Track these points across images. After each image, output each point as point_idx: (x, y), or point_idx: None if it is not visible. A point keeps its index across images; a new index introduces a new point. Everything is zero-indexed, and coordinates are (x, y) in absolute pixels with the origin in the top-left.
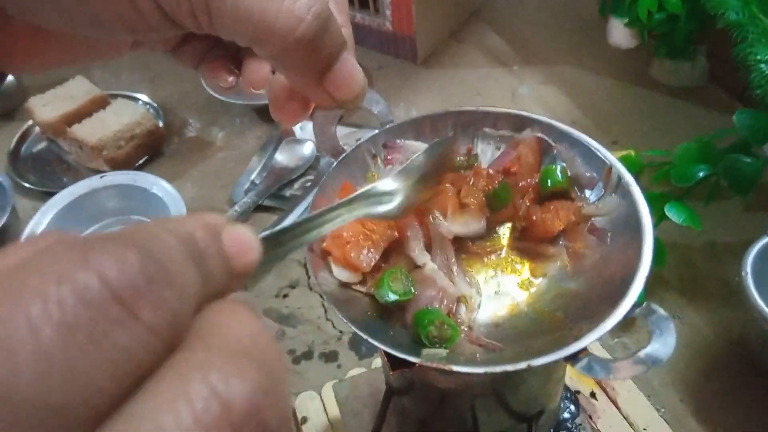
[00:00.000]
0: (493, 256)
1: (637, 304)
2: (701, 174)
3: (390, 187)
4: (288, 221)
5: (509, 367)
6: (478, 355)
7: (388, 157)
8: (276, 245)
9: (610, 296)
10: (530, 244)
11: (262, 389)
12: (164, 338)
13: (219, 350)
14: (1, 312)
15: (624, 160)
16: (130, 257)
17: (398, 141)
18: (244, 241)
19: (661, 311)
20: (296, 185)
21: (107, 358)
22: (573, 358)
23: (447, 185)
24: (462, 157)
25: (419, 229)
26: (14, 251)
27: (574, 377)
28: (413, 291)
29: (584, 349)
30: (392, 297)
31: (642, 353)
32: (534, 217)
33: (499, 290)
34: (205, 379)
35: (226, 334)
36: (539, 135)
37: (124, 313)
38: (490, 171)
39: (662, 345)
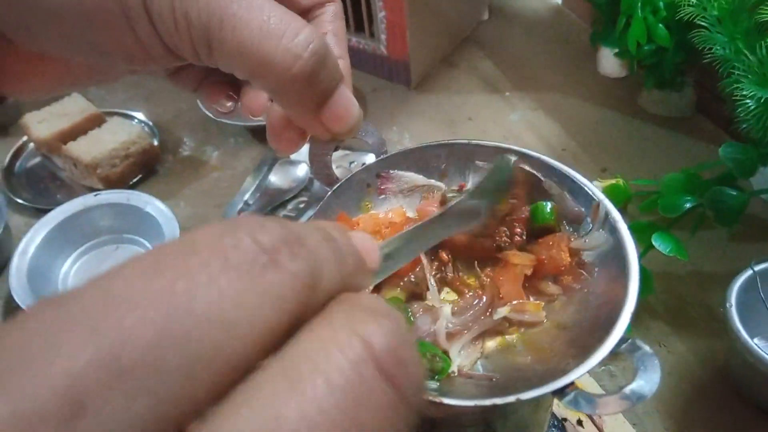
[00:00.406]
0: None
1: (623, 340)
2: (688, 205)
3: (471, 203)
4: None
5: (498, 401)
6: (470, 386)
7: (382, 187)
8: (387, 259)
9: (597, 331)
10: (533, 281)
11: (395, 333)
12: (308, 286)
13: (357, 308)
14: (184, 265)
15: (612, 188)
16: (273, 224)
17: (391, 171)
18: (368, 242)
19: (646, 348)
20: (289, 206)
21: (266, 291)
22: (560, 393)
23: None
24: (454, 194)
25: (430, 263)
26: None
27: (560, 405)
28: (411, 321)
29: (572, 384)
30: None
31: (627, 389)
32: (543, 256)
33: None
34: (349, 325)
35: (361, 302)
36: (527, 169)
37: (272, 261)
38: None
39: (647, 381)
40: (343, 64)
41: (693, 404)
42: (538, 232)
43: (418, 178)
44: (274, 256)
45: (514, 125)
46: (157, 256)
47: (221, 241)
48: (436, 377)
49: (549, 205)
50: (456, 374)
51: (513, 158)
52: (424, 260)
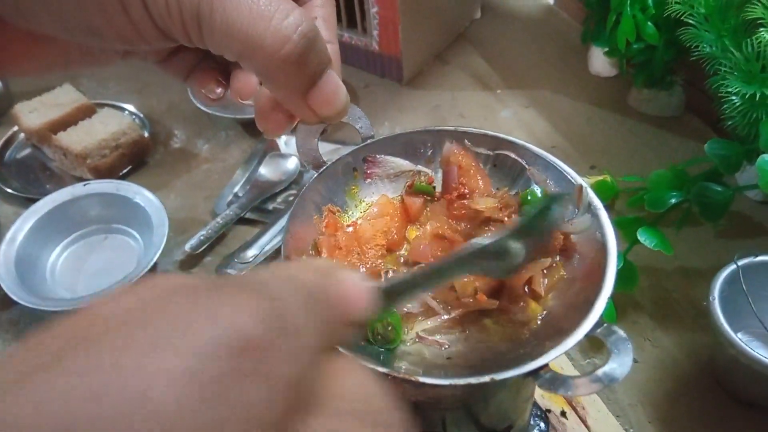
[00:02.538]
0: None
1: (597, 324)
2: (673, 200)
3: (505, 247)
4: (269, 235)
5: (473, 380)
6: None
7: (368, 171)
8: (390, 296)
9: (574, 316)
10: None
11: None
12: (290, 394)
13: (335, 414)
14: (136, 362)
15: (600, 185)
16: (262, 306)
17: (378, 156)
18: (358, 289)
19: (621, 332)
20: (279, 199)
21: (236, 413)
22: (535, 374)
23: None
24: (423, 183)
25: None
26: (123, 294)
27: (545, 396)
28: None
29: (546, 366)
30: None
31: (600, 372)
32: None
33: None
34: None
35: (342, 396)
36: (513, 156)
37: (256, 366)
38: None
39: (619, 365)
40: (332, 48)
41: (677, 397)
42: None
43: (405, 164)
44: (260, 359)
45: (504, 122)
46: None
47: (193, 330)
48: (387, 346)
49: (539, 190)
50: (409, 342)
51: (564, 198)
52: None
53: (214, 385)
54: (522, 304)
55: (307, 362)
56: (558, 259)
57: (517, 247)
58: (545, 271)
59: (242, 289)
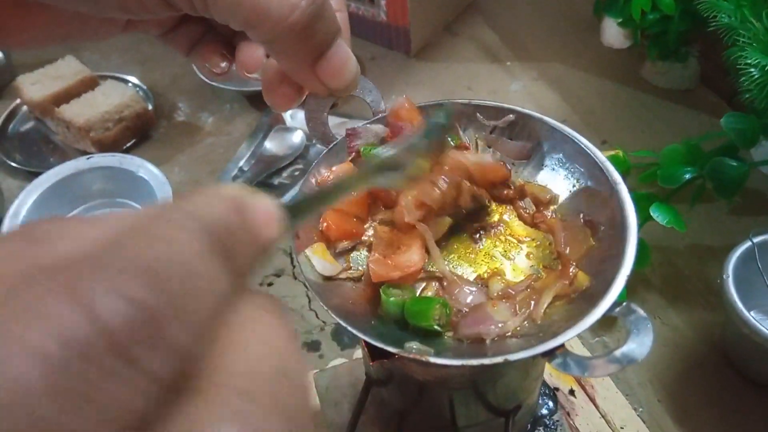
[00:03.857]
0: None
1: (616, 304)
2: (687, 176)
3: (396, 160)
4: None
5: (486, 361)
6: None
7: (350, 144)
8: (294, 214)
9: (591, 294)
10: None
11: None
12: (170, 382)
13: (227, 393)
14: None
15: (612, 159)
16: (131, 286)
17: (358, 126)
18: (269, 213)
19: (641, 311)
20: (285, 174)
21: (101, 418)
22: (550, 355)
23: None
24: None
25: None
26: None
27: (553, 374)
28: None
29: (561, 346)
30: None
31: (618, 352)
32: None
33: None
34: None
35: (238, 370)
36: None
37: (120, 362)
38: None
39: (638, 345)
40: (341, 17)
41: (687, 376)
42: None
43: (383, 129)
44: (125, 353)
45: (514, 95)
46: None
47: (49, 322)
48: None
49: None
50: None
51: (444, 125)
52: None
53: (69, 391)
54: (572, 272)
55: (194, 340)
56: (582, 222)
57: (400, 156)
58: (575, 240)
59: (114, 262)
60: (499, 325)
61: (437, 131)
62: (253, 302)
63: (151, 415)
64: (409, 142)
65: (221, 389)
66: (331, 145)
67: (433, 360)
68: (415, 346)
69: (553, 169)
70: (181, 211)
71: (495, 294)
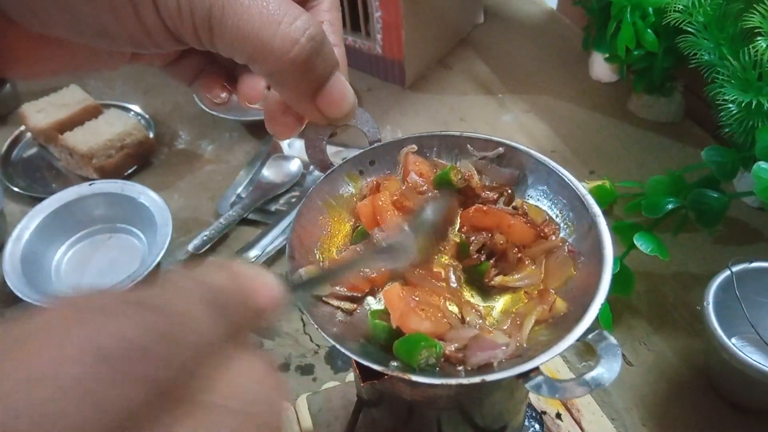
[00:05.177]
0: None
1: (589, 330)
2: (670, 206)
3: (402, 243)
4: (271, 236)
5: (464, 381)
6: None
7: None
8: (297, 291)
9: (570, 320)
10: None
11: None
12: (161, 393)
13: (213, 411)
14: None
15: (598, 190)
16: (144, 317)
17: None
18: (266, 285)
19: (611, 339)
20: (281, 201)
21: (98, 413)
22: (525, 376)
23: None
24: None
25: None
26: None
27: (540, 399)
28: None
29: (536, 369)
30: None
31: (587, 376)
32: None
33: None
34: None
35: (227, 394)
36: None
37: (125, 370)
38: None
39: (607, 370)
40: (339, 51)
41: (672, 401)
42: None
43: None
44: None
45: (505, 126)
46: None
47: (69, 341)
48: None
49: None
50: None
51: (451, 195)
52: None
53: (77, 388)
54: (551, 299)
55: (190, 363)
56: (565, 252)
57: (405, 242)
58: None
59: (130, 305)
60: (503, 348)
61: (437, 211)
62: (247, 352)
63: (144, 417)
64: (413, 224)
65: (206, 405)
66: (328, 172)
67: (415, 378)
68: (396, 364)
69: (538, 200)
70: (189, 278)
71: (477, 326)
